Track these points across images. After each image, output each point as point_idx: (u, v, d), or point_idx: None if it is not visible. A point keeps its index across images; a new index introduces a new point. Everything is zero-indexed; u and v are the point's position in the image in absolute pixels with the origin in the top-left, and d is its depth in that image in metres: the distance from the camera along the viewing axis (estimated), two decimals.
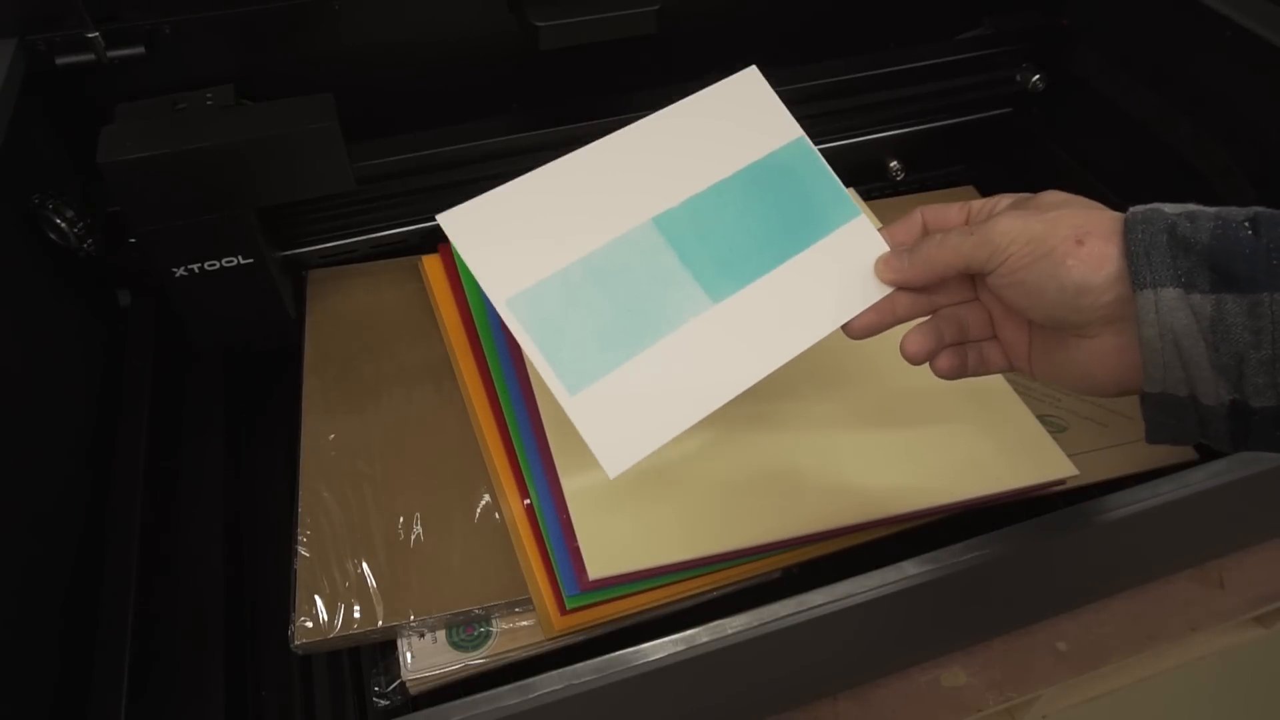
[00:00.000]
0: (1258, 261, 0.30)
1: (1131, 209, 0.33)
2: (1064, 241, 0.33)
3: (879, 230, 0.41)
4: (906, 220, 0.40)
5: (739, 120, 0.43)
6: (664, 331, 0.38)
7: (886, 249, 0.40)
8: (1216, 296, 0.30)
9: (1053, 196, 0.36)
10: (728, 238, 0.40)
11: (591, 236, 0.39)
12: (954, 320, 0.39)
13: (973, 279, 0.39)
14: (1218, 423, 0.32)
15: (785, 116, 0.43)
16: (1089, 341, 0.34)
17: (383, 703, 0.42)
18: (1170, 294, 0.31)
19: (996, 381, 0.52)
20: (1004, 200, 0.37)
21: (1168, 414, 0.33)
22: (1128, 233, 0.32)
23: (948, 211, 0.39)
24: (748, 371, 0.38)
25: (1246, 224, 0.31)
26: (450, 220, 0.37)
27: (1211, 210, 0.32)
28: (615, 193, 0.40)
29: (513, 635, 0.43)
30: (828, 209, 0.42)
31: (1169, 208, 0.32)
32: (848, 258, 0.41)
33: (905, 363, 0.39)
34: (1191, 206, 0.32)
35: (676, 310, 0.39)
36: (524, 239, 0.38)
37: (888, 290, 0.40)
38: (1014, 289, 0.35)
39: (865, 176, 0.68)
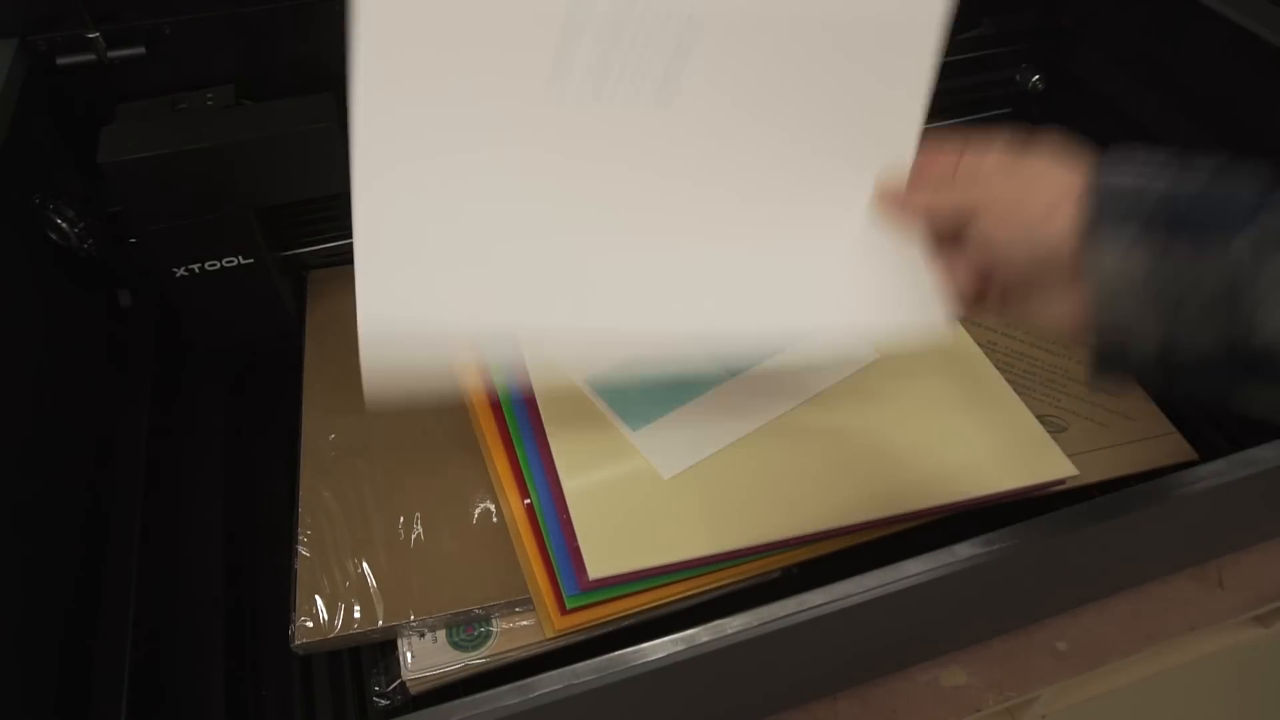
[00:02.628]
0: (1197, 213, 0.31)
1: (1098, 164, 0.34)
2: (1039, 207, 0.34)
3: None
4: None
5: None
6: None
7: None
8: (1159, 245, 0.31)
9: (1037, 157, 0.36)
10: None
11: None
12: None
13: None
14: (1152, 367, 0.33)
15: None
16: (1054, 292, 0.35)
17: (383, 703, 0.42)
18: (1116, 242, 0.32)
19: (996, 382, 0.52)
20: (993, 151, 0.38)
21: (1107, 359, 0.34)
22: (1088, 193, 0.33)
23: (939, 156, 0.39)
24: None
25: (1203, 174, 0.32)
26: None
27: (1168, 159, 0.33)
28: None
29: (513, 635, 0.43)
30: None
31: (1129, 165, 0.34)
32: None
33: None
34: (1158, 155, 0.34)
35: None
36: None
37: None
38: (989, 245, 0.36)
39: None
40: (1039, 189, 0.35)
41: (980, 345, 0.54)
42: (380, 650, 0.44)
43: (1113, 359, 0.34)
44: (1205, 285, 0.31)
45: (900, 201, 0.40)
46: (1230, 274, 0.31)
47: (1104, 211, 0.33)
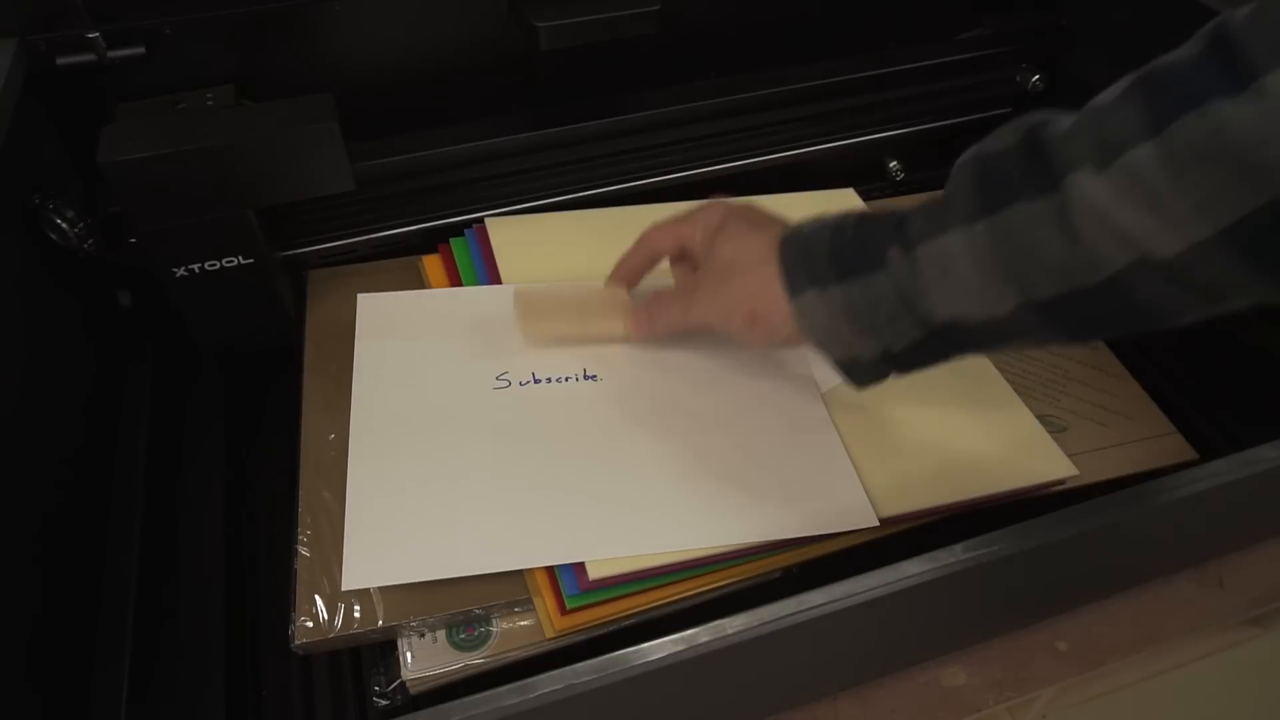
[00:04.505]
0: (853, 248, 0.39)
1: (783, 239, 0.42)
2: (741, 321, 0.43)
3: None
4: (638, 250, 0.50)
5: None
6: None
7: None
8: (841, 286, 0.39)
9: (726, 246, 0.45)
10: None
11: None
12: None
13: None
14: (882, 363, 0.40)
15: None
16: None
17: (383, 703, 0.42)
18: (809, 297, 0.40)
19: (996, 381, 0.52)
20: (706, 231, 0.47)
21: (849, 371, 0.42)
22: (781, 267, 0.41)
23: (678, 234, 0.48)
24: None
25: (849, 227, 0.40)
26: None
27: (833, 218, 0.41)
28: None
29: (513, 635, 0.43)
30: None
31: (800, 227, 0.42)
32: None
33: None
34: (820, 219, 0.42)
35: None
36: None
37: None
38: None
39: (865, 177, 0.68)
40: (738, 301, 0.43)
41: None
42: (380, 650, 0.44)
43: (852, 370, 0.41)
44: (885, 297, 0.38)
45: (643, 328, 0.50)
46: (896, 279, 0.37)
47: (795, 282, 0.40)
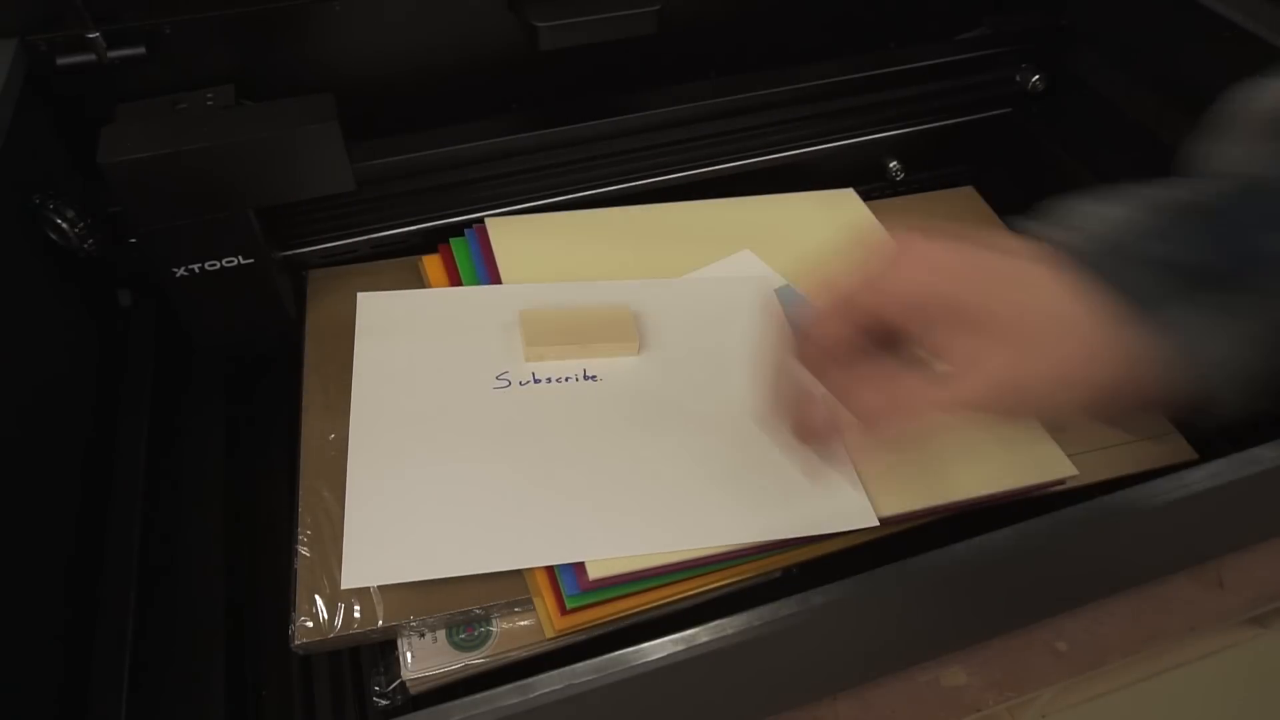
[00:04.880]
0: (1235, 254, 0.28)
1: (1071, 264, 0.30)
2: (1050, 386, 0.30)
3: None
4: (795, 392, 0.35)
5: None
6: None
7: None
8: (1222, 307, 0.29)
9: (1007, 297, 0.30)
10: None
11: None
12: None
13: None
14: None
15: None
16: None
17: (383, 703, 0.42)
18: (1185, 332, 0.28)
19: None
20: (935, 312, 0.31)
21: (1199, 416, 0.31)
22: (1104, 291, 0.29)
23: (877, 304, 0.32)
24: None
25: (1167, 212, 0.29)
26: None
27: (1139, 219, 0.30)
28: None
29: (513, 635, 0.43)
30: None
31: (1098, 238, 0.30)
32: None
33: None
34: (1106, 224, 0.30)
35: None
36: None
37: None
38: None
39: (865, 177, 0.68)
40: (1047, 312, 0.29)
41: None
42: (380, 650, 0.44)
43: (1207, 397, 0.30)
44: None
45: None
46: None
47: (1149, 301, 0.28)
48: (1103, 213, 0.31)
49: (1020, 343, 0.30)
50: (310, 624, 0.41)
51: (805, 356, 0.34)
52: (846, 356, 0.33)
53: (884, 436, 0.32)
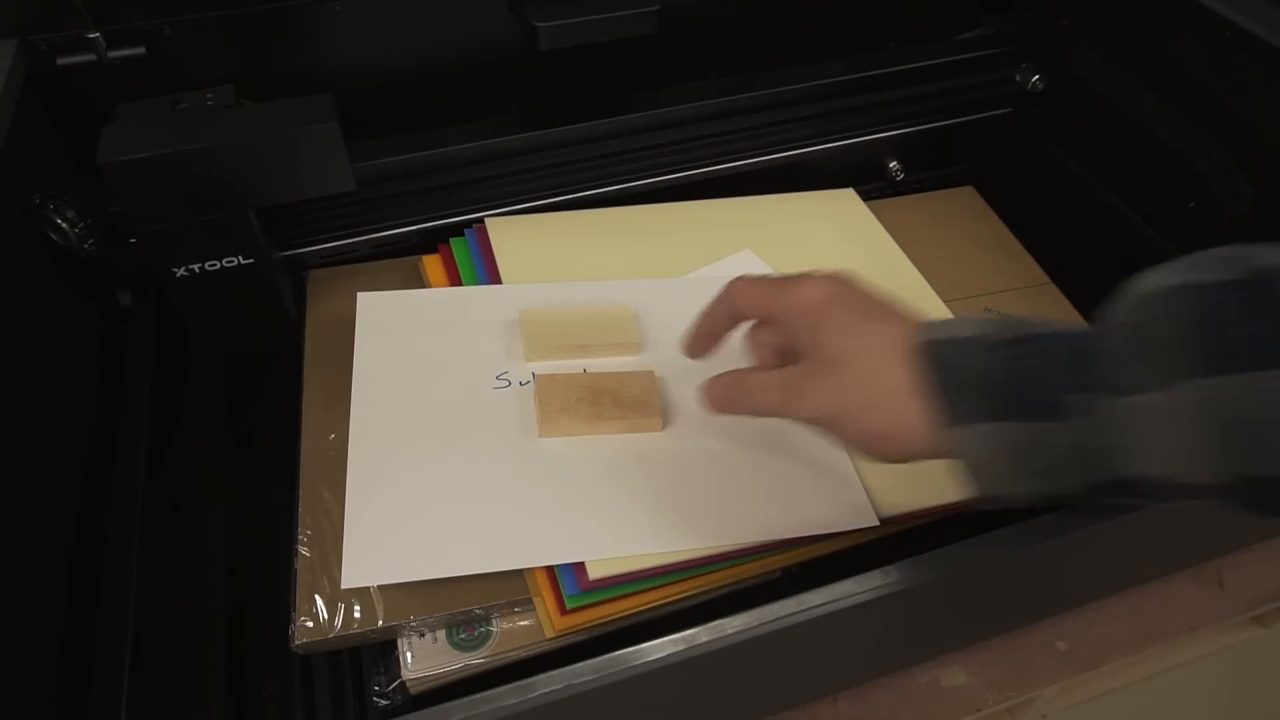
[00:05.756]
0: (1022, 392, 0.33)
1: (922, 346, 0.35)
2: (858, 433, 0.37)
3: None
4: (721, 308, 0.43)
5: None
6: None
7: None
8: (1003, 427, 0.33)
9: (837, 340, 0.37)
10: None
11: None
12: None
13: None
14: (1027, 498, 0.35)
15: None
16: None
17: (383, 703, 0.42)
18: (971, 432, 0.33)
19: None
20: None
21: (987, 502, 0.36)
22: (929, 381, 0.34)
23: (769, 303, 0.40)
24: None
25: (1001, 353, 0.33)
26: None
27: (995, 333, 0.34)
28: None
29: (513, 635, 0.43)
30: None
31: (951, 340, 0.35)
32: None
33: None
34: (970, 329, 0.35)
35: None
36: None
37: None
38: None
39: (865, 177, 0.69)
40: (872, 402, 0.36)
41: None
42: (380, 650, 0.44)
43: (994, 499, 0.35)
44: (1058, 444, 0.32)
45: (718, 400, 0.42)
46: (1082, 428, 0.32)
47: (954, 414, 0.34)
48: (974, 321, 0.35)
49: (835, 388, 0.37)
50: (310, 624, 0.41)
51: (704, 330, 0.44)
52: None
53: (717, 404, 0.42)
